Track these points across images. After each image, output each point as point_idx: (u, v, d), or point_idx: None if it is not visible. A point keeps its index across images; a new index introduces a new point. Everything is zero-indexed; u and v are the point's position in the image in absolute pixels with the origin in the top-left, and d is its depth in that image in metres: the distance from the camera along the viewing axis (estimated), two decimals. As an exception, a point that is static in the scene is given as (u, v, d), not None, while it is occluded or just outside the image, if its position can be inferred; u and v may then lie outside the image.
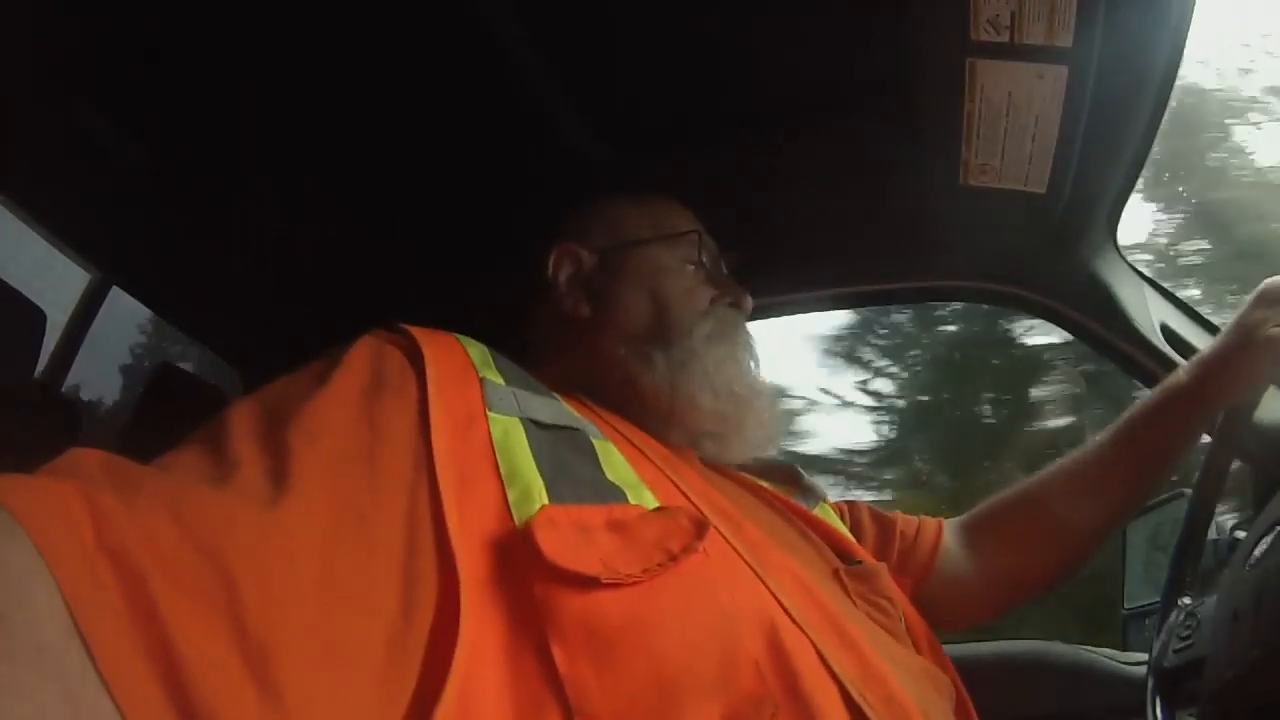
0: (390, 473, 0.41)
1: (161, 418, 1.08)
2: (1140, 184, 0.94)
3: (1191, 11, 0.73)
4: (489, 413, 0.48)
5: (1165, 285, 1.02)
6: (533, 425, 0.50)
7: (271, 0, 0.78)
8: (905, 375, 4.59)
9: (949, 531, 0.84)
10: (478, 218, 1.05)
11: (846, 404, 4.47)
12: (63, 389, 1.18)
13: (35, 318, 0.97)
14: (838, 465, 4.19)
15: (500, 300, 0.80)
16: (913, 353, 4.59)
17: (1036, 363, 3.98)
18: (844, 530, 0.75)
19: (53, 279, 1.18)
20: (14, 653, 0.26)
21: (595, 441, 0.54)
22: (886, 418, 4.55)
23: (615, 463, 0.53)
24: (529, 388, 0.55)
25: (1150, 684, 0.74)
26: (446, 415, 0.45)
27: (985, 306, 1.18)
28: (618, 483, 0.50)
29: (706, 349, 0.70)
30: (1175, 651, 0.71)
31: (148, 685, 0.28)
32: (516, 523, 0.43)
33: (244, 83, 0.87)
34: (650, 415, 0.68)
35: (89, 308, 1.17)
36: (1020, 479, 0.86)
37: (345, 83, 0.87)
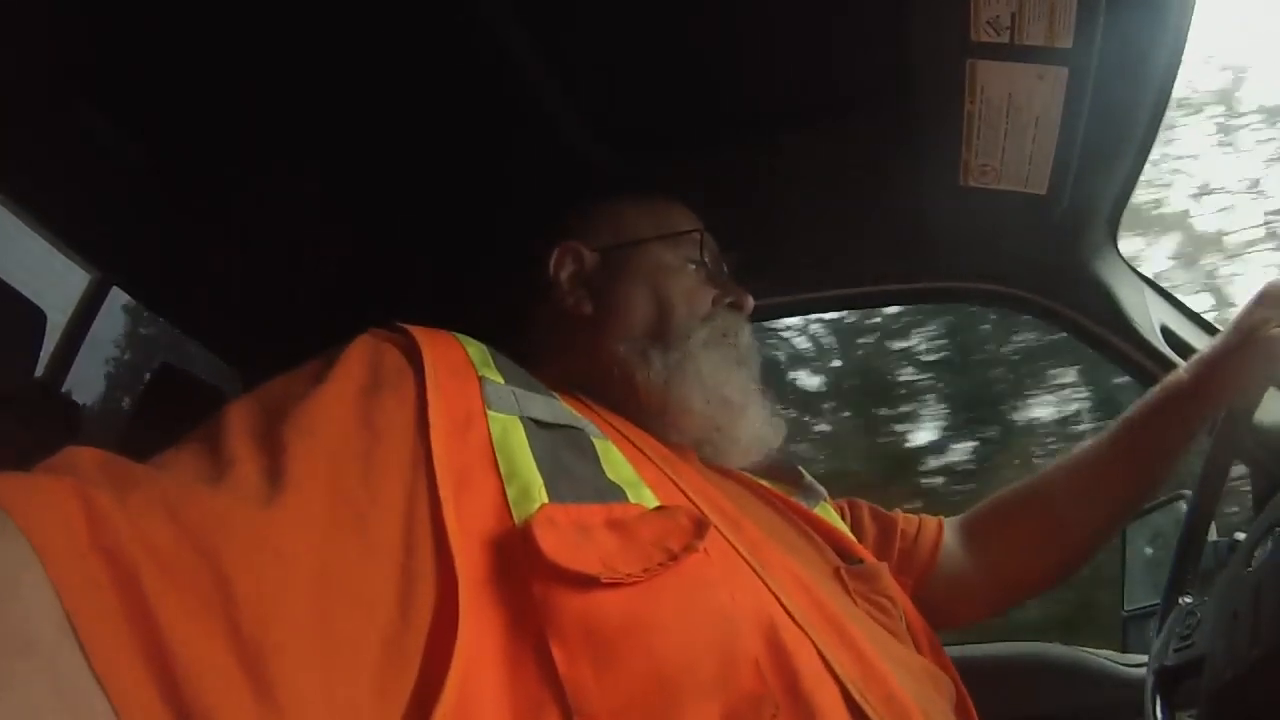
0: (388, 471, 0.41)
1: (161, 418, 1.08)
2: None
3: (1191, 12, 0.73)
4: (488, 411, 0.48)
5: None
6: (532, 424, 0.50)
7: (272, 0, 0.78)
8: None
9: (949, 530, 0.84)
10: (478, 218, 1.05)
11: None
12: (63, 389, 1.18)
13: (35, 318, 0.97)
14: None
15: (500, 300, 0.80)
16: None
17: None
18: (845, 529, 0.75)
19: (53, 279, 1.18)
20: (6, 649, 0.26)
21: (595, 440, 0.54)
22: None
23: (615, 462, 0.53)
24: (528, 386, 0.55)
25: (1150, 684, 0.74)
26: (445, 414, 0.45)
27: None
28: (617, 482, 0.50)
29: (703, 353, 0.69)
30: (1175, 651, 0.71)
31: (142, 683, 0.28)
32: (516, 522, 0.43)
33: (244, 82, 0.87)
34: (647, 414, 0.67)
35: (89, 308, 1.17)
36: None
37: (345, 83, 0.87)
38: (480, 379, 0.51)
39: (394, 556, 0.38)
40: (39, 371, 1.08)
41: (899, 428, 3.99)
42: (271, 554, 0.34)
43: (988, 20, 0.74)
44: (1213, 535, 0.83)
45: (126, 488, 0.33)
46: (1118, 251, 1.01)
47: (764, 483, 0.73)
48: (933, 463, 3.82)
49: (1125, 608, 1.19)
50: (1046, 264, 1.02)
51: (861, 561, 0.66)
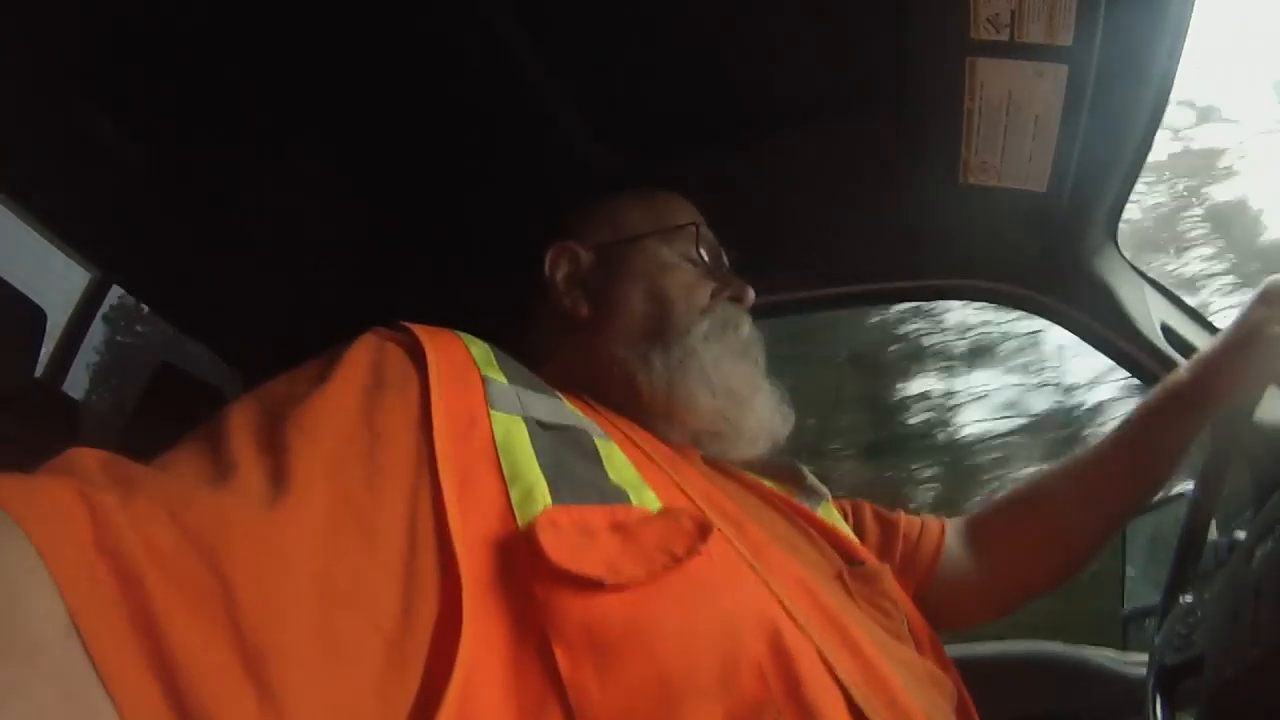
0: (391, 472, 0.40)
1: (161, 418, 1.08)
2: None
3: (1191, 11, 0.73)
4: (491, 411, 0.48)
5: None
6: (535, 425, 0.50)
7: (272, 1, 0.78)
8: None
9: (951, 532, 0.84)
10: (479, 218, 1.05)
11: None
12: (62, 389, 1.18)
13: (35, 318, 0.97)
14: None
15: (502, 300, 0.80)
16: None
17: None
18: (847, 531, 0.75)
19: (53, 279, 1.18)
20: (11, 651, 0.26)
21: (598, 442, 0.54)
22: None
23: (618, 463, 0.53)
24: (532, 386, 0.54)
25: (1150, 683, 0.74)
26: (448, 414, 0.45)
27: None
28: (620, 484, 0.50)
29: (705, 347, 0.69)
30: (1175, 650, 0.71)
31: (146, 685, 0.28)
32: (519, 523, 0.43)
33: (244, 82, 0.87)
34: (650, 414, 0.67)
35: (89, 308, 1.17)
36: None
37: (345, 83, 0.87)
38: (483, 379, 0.50)
39: (397, 558, 0.38)
40: (39, 371, 1.08)
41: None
42: (274, 556, 0.34)
43: (987, 18, 0.74)
44: (1213, 535, 0.83)
45: (129, 489, 0.33)
46: (1118, 249, 1.01)
47: (766, 484, 0.72)
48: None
49: (1125, 607, 1.19)
50: (1046, 262, 1.02)
51: (863, 563, 0.66)
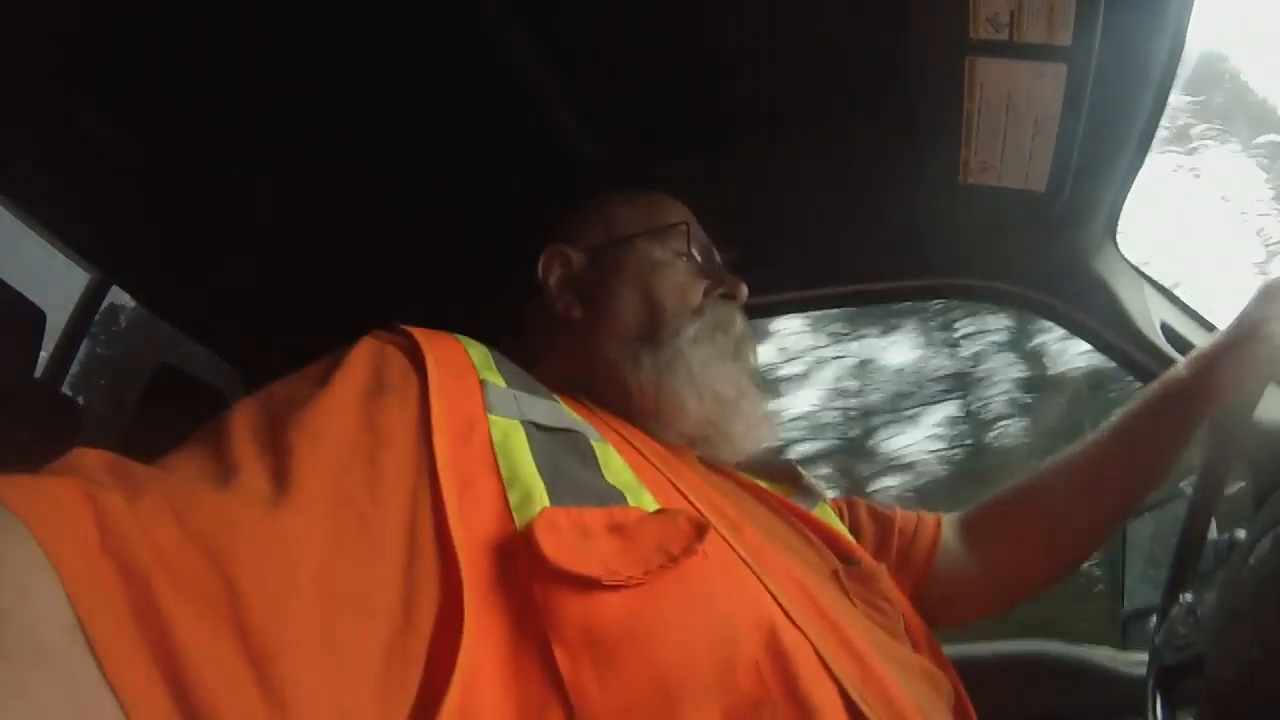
0: (391, 475, 0.41)
1: (161, 418, 1.08)
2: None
3: (1191, 10, 0.73)
4: (490, 415, 0.48)
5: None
6: (533, 428, 0.50)
7: (272, 1, 0.78)
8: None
9: (948, 528, 0.83)
10: (478, 218, 1.05)
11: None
12: (62, 389, 1.18)
13: (35, 318, 0.97)
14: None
15: (500, 301, 0.80)
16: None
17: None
18: (843, 530, 0.75)
19: (53, 279, 1.18)
20: (17, 652, 0.26)
21: (595, 444, 0.54)
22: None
23: (615, 465, 0.53)
24: (530, 389, 0.55)
25: (1150, 683, 0.74)
26: (447, 418, 0.45)
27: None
28: (617, 485, 0.50)
29: (693, 350, 0.69)
30: (1175, 650, 0.71)
31: (151, 686, 0.28)
32: (517, 525, 0.43)
33: (244, 82, 0.87)
34: (642, 415, 0.67)
35: (89, 308, 1.17)
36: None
37: (346, 83, 0.88)
38: (482, 382, 0.51)
39: (398, 559, 0.38)
40: (39, 371, 1.08)
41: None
42: (278, 556, 0.34)
43: (987, 18, 0.74)
44: (1213, 534, 0.83)
45: (134, 490, 0.33)
46: (1117, 248, 1.01)
47: (762, 484, 0.72)
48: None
49: (1125, 606, 1.19)
50: (1046, 261, 1.02)
51: (860, 563, 0.66)
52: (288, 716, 0.30)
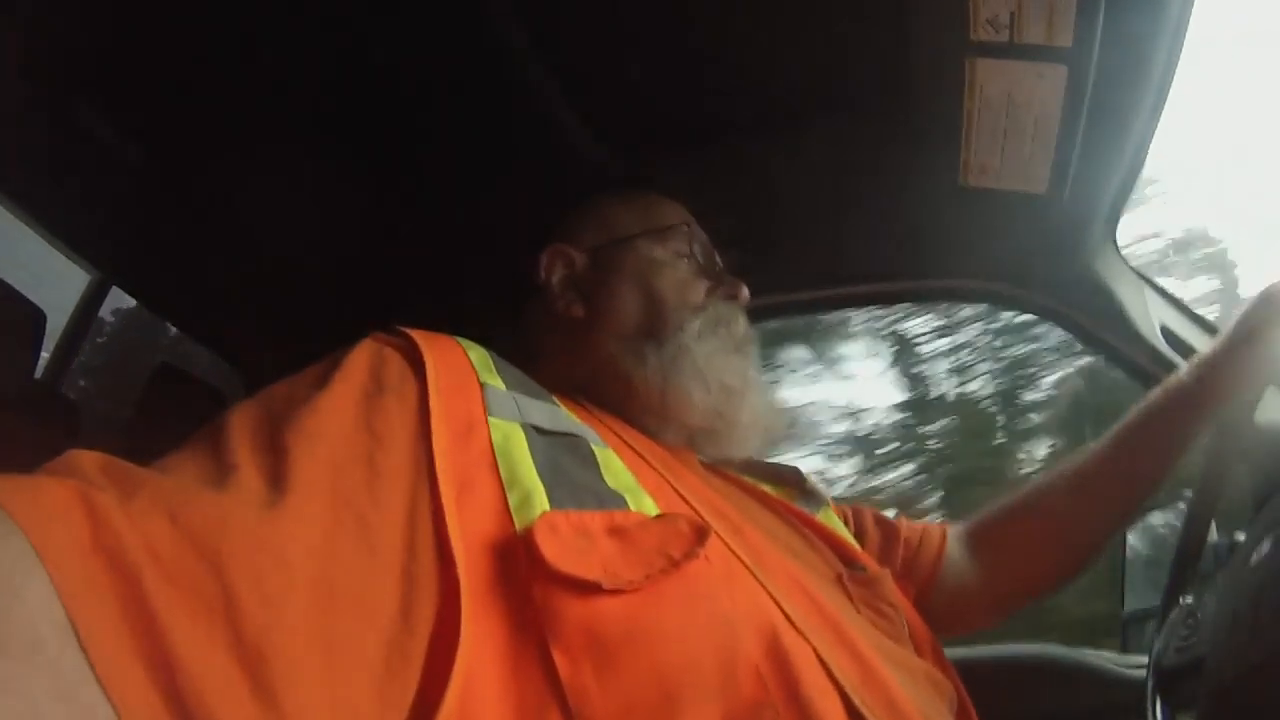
0: (390, 477, 0.41)
1: (161, 418, 1.08)
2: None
3: (1190, 11, 0.73)
4: (489, 418, 0.48)
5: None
6: (533, 431, 0.50)
7: (272, 2, 0.78)
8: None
9: (952, 538, 0.83)
10: (479, 219, 1.05)
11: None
12: (62, 389, 1.18)
13: (35, 318, 0.97)
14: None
15: (501, 303, 0.80)
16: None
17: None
18: (847, 535, 0.75)
19: (53, 279, 1.18)
20: (8, 650, 0.26)
21: (595, 447, 0.54)
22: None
23: (615, 469, 0.53)
24: (530, 392, 0.54)
25: (1150, 684, 0.74)
26: (446, 420, 0.45)
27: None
28: (618, 489, 0.50)
29: (698, 344, 0.69)
30: (1175, 652, 0.71)
31: (143, 686, 0.28)
32: (517, 528, 0.43)
33: (244, 82, 0.87)
34: (646, 413, 0.67)
35: (89, 308, 1.17)
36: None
37: (346, 83, 0.88)
38: (482, 385, 0.50)
39: (396, 561, 0.38)
40: (39, 372, 1.08)
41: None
42: (273, 557, 0.34)
43: (987, 19, 0.74)
44: (1213, 535, 0.83)
45: (129, 491, 0.33)
46: (1117, 250, 1.01)
47: (766, 488, 0.72)
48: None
49: (1125, 609, 1.19)
50: (1046, 263, 1.02)
51: (864, 568, 0.66)
52: (282, 717, 0.30)
